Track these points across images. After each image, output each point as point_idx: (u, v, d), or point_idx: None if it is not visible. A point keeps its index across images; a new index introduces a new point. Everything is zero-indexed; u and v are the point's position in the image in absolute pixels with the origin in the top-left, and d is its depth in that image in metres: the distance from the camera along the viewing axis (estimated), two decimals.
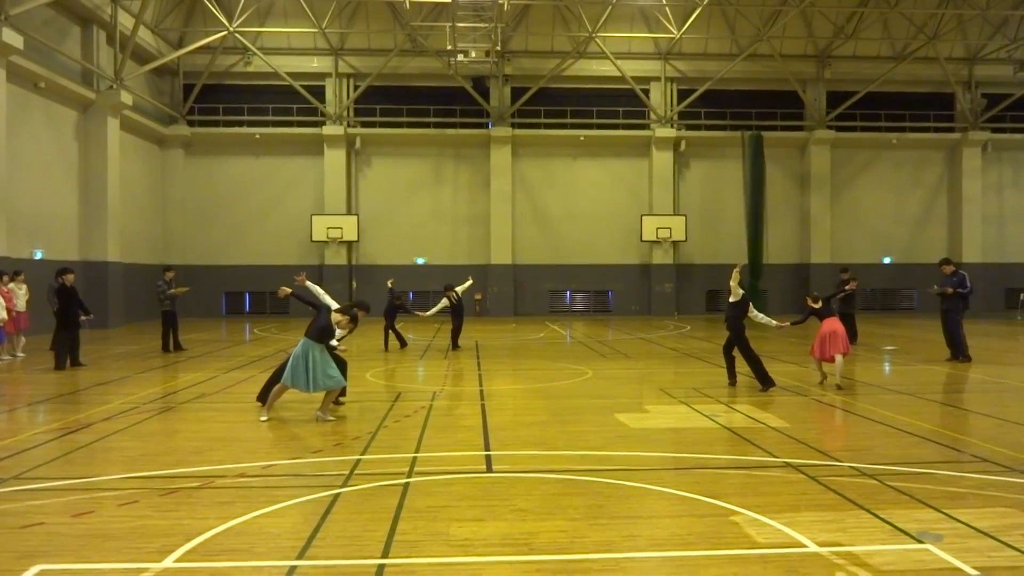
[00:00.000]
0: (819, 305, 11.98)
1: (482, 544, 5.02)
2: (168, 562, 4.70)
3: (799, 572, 4.50)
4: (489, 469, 7.02)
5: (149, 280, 27.62)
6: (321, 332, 9.26)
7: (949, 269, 15.34)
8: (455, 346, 17.78)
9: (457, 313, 17.98)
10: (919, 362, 15.35)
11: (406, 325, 21.63)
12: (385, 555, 4.81)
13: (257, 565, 4.67)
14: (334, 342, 9.86)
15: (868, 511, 5.60)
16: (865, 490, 6.15)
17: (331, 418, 9.29)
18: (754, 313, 11.92)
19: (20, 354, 16.38)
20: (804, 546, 4.90)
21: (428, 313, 18.35)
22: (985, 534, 5.09)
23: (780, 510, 5.64)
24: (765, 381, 11.57)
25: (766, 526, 5.29)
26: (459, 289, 18.17)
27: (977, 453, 7.47)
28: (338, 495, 6.11)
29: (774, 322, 12.18)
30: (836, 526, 5.28)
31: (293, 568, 4.62)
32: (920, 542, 4.96)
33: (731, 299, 11.89)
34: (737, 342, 11.81)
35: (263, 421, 9.13)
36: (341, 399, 10.27)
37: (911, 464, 7.01)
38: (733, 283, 11.84)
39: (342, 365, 10.16)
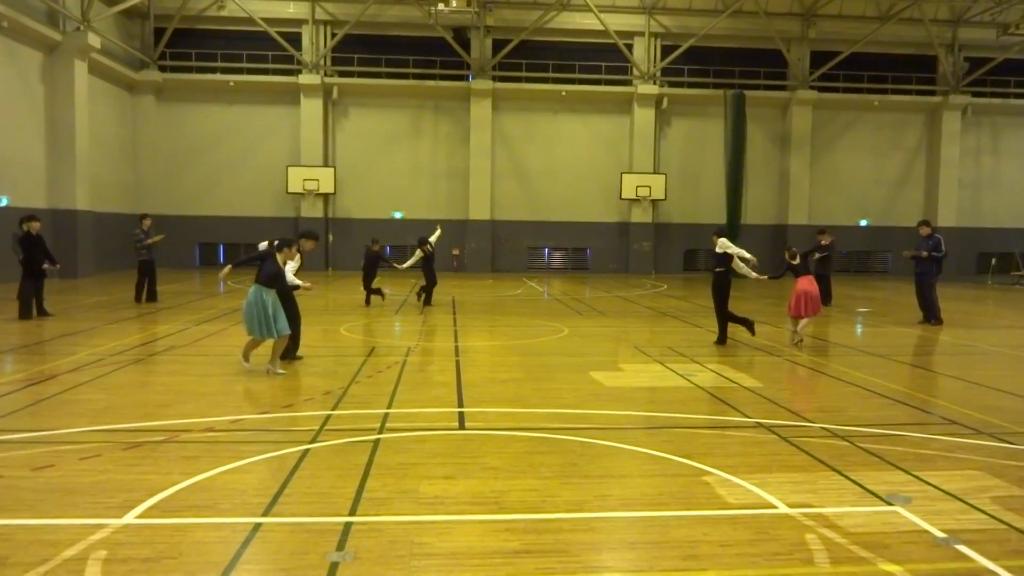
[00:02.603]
0: (797, 261, 12.07)
1: (452, 502, 4.96)
2: (129, 518, 4.60)
3: (769, 533, 4.49)
4: (462, 426, 6.96)
5: (120, 229, 27.15)
6: (270, 278, 9.13)
7: (926, 231, 15.39)
8: (428, 302, 17.52)
9: (429, 267, 17.65)
10: (892, 324, 15.47)
11: (382, 279, 21.44)
12: (353, 513, 4.74)
13: (221, 522, 4.58)
14: (296, 280, 9.72)
15: (839, 472, 5.61)
16: (836, 451, 6.17)
17: (281, 371, 9.20)
18: (738, 264, 12.00)
19: None
20: (774, 507, 4.90)
21: (404, 265, 18.17)
22: (954, 497, 5.12)
23: (751, 471, 5.63)
24: (722, 339, 12.09)
25: (737, 487, 5.28)
26: (431, 239, 17.90)
27: (946, 415, 7.53)
28: (307, 451, 6.02)
29: (753, 274, 12.33)
30: (807, 487, 5.28)
31: (258, 525, 4.53)
32: (889, 504, 4.97)
33: (717, 249, 12.04)
34: (717, 294, 12.04)
35: (246, 368, 9.21)
36: (298, 355, 10.14)
37: (882, 426, 7.05)
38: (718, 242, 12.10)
39: (296, 319, 9.97)
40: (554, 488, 5.25)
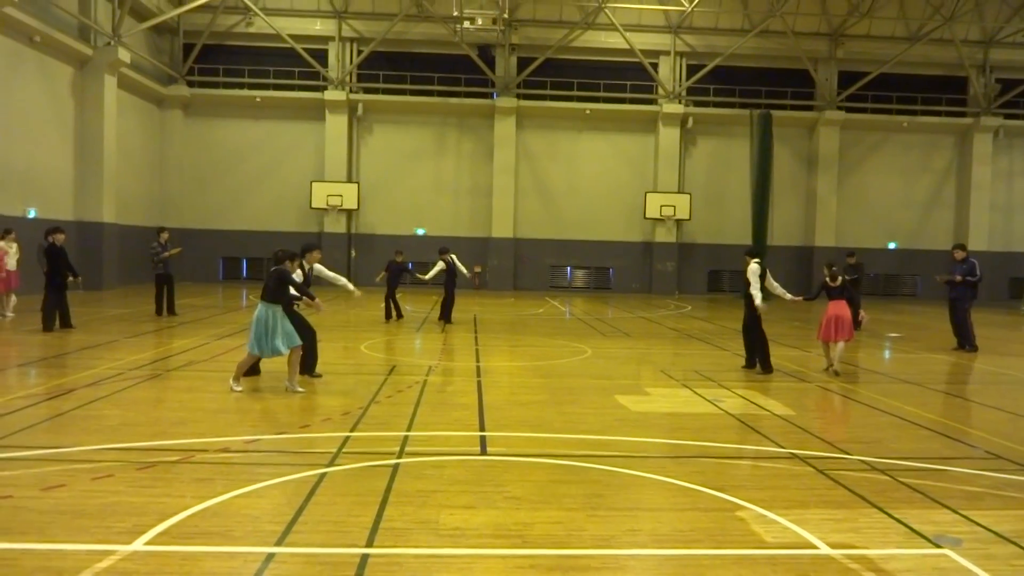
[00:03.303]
0: (837, 283, 11.61)
1: (473, 535, 4.73)
2: (137, 545, 4.41)
3: None
4: (483, 451, 6.73)
5: (145, 242, 27.26)
6: (275, 294, 8.95)
7: (960, 255, 14.97)
8: (448, 319, 17.33)
9: (451, 281, 17.49)
10: (924, 350, 15.05)
11: (404, 295, 21.31)
12: (370, 544, 4.53)
13: (232, 551, 4.38)
14: (295, 292, 9.45)
15: (881, 510, 5.31)
16: (877, 486, 5.86)
17: (300, 389, 9.00)
18: (771, 283, 11.68)
19: (10, 314, 16.06)
20: (815, 547, 4.62)
21: (427, 276, 17.88)
22: (1007, 540, 4.80)
23: (788, 506, 5.35)
24: (765, 366, 11.46)
25: (774, 523, 5.00)
26: (455, 258, 17.71)
27: (991, 449, 7.18)
28: (324, 475, 5.82)
29: (788, 295, 11.96)
30: (848, 525, 4.99)
31: (271, 556, 4.33)
32: (938, 547, 4.67)
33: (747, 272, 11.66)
34: (748, 316, 11.64)
35: (236, 391, 8.91)
36: (317, 373, 9.97)
37: (923, 459, 6.72)
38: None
39: (310, 334, 9.78)
40: (580, 521, 5.00)
